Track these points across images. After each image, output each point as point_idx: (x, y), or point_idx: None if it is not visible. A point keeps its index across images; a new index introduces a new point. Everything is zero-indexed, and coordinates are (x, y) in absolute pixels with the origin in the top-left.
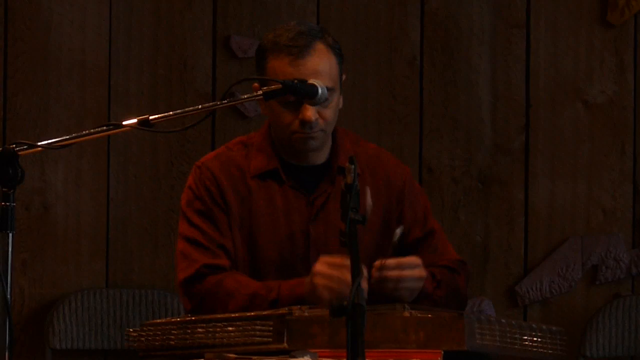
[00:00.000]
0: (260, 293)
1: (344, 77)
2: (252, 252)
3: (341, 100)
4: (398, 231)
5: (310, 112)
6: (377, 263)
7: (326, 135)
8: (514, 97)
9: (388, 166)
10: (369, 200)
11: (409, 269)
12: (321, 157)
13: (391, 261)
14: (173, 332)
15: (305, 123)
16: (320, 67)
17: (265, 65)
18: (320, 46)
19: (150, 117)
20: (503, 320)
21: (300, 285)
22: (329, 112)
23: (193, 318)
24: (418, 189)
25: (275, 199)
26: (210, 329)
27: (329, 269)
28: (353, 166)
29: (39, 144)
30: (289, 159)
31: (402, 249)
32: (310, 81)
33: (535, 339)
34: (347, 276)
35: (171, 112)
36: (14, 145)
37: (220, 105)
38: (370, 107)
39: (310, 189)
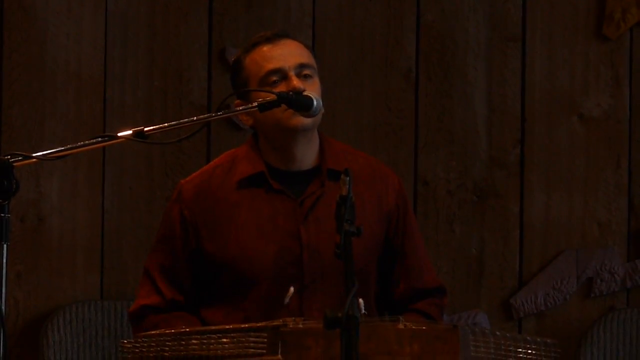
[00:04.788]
0: None
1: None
2: (242, 265)
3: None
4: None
5: (296, 81)
6: None
7: (314, 120)
8: (509, 111)
9: (380, 176)
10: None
11: None
12: (309, 160)
13: None
14: (167, 343)
15: (295, 89)
16: (297, 49)
17: (243, 67)
18: (293, 40)
19: (145, 129)
20: (498, 333)
21: None
22: (313, 90)
23: (187, 330)
24: (409, 201)
25: (262, 207)
26: (205, 341)
27: None
28: (348, 178)
29: (34, 155)
30: (277, 165)
31: (388, 255)
32: (305, 93)
33: (529, 351)
34: None
35: (166, 124)
36: (9, 157)
37: (215, 117)
38: (366, 120)
39: (298, 193)
